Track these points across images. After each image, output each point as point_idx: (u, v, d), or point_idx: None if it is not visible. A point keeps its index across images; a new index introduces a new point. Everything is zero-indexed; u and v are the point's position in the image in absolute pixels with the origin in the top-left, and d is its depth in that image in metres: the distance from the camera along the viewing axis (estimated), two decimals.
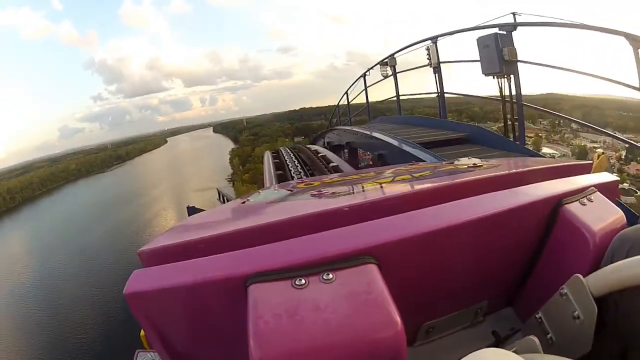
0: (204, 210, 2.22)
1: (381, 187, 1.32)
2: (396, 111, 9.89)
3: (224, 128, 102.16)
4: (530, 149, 6.35)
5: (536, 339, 0.78)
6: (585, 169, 1.38)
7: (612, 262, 0.87)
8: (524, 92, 5.47)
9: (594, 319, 0.81)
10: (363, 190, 1.30)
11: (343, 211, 1.02)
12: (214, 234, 1.00)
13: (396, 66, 9.24)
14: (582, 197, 1.06)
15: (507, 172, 1.35)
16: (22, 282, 42.98)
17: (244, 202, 1.46)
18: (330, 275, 0.72)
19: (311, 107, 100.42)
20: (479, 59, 5.53)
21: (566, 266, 0.97)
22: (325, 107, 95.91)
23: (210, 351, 0.89)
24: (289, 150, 14.27)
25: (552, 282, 0.95)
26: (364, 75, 10.96)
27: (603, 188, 1.14)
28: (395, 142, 6.01)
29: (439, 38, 7.24)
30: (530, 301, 1.10)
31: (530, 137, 59.49)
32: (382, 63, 9.46)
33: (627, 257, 0.85)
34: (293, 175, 9.74)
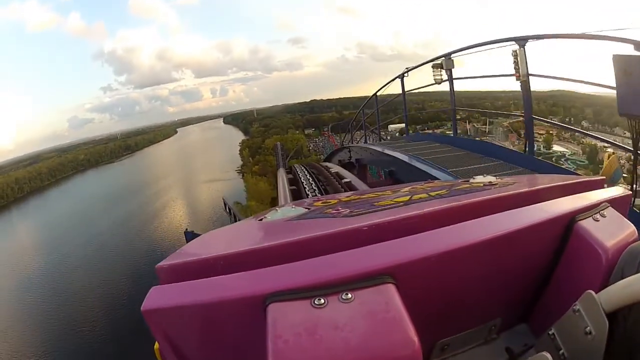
0: (200, 234, 1.66)
1: (399, 206, 1.28)
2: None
3: (234, 119, 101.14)
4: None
5: (549, 355, 0.80)
6: (598, 184, 1.36)
7: (622, 277, 0.90)
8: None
9: (605, 335, 0.83)
10: (381, 209, 1.26)
11: (362, 230, 1.01)
12: (233, 251, 1.00)
13: (453, 70, 7.29)
14: (595, 213, 1.08)
15: (521, 190, 1.33)
16: (29, 274, 42.82)
17: (261, 220, 1.45)
18: (349, 295, 0.73)
19: (322, 99, 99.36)
20: (613, 85, 3.77)
21: (579, 282, 1.01)
22: (337, 99, 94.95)
23: None
24: (306, 173, 13.12)
25: (565, 298, 0.97)
26: (402, 76, 9.14)
27: (615, 202, 1.16)
28: None
29: (529, 40, 5.31)
30: (543, 317, 1.13)
31: (541, 134, 59.05)
32: (435, 65, 7.47)
33: (638, 271, 0.88)
34: (308, 192, 9.47)
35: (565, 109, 70.26)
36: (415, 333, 0.68)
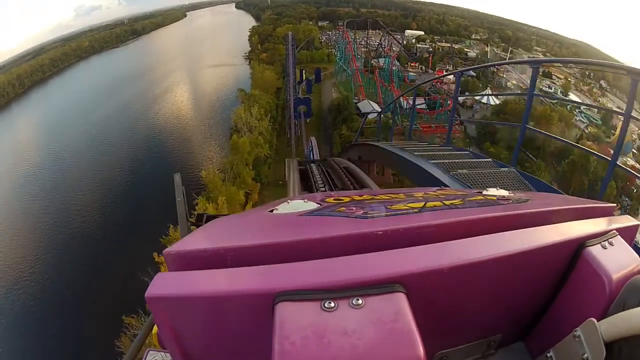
0: None
1: (413, 212, 1.26)
2: None
3: (246, 4, 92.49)
4: None
5: None
6: (608, 211, 1.37)
7: (624, 308, 0.90)
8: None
9: None
10: (395, 214, 1.23)
11: (377, 235, 0.99)
12: (243, 244, 0.99)
13: None
14: (604, 240, 1.09)
15: (535, 210, 1.32)
16: (27, 170, 41.50)
17: (272, 211, 1.40)
18: (360, 301, 0.72)
19: None
20: None
21: (581, 308, 1.02)
22: None
23: None
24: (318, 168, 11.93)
25: (566, 322, 1.00)
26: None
27: (624, 231, 1.17)
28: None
29: None
30: (542, 338, 1.15)
31: (560, 79, 60.64)
32: None
33: None
34: (318, 187, 9.35)
35: (586, 61, 65.06)
36: (422, 347, 0.67)
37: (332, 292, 0.71)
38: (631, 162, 37.45)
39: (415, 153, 6.53)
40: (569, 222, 1.12)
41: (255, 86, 49.16)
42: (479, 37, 75.05)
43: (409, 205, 1.31)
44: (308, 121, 45.83)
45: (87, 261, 30.54)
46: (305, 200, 1.43)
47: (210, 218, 1.97)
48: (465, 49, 70.84)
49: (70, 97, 57.57)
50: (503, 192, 1.57)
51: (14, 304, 28.81)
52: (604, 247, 1.04)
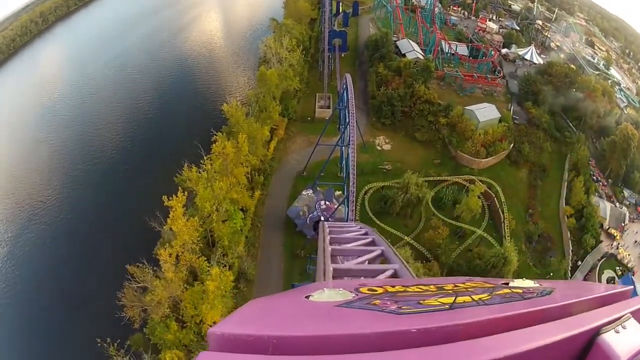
0: None
1: (444, 308, 1.30)
2: None
3: None
4: None
5: None
6: (625, 295, 1.44)
7: None
8: None
9: None
10: (427, 310, 1.27)
11: (411, 333, 1.04)
12: (287, 334, 1.03)
13: None
14: (617, 325, 1.14)
15: (554, 305, 1.35)
16: (47, 106, 40.54)
17: (307, 297, 1.43)
18: None
19: None
20: None
21: None
22: None
23: None
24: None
25: None
26: None
27: (638, 312, 1.23)
28: None
29: None
30: None
31: (602, 50, 61.59)
32: None
33: None
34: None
35: (627, 41, 68.80)
36: None
37: None
38: None
39: None
40: (585, 313, 1.19)
41: (288, 16, 45.10)
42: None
43: (440, 300, 1.33)
44: (343, 55, 41.81)
45: (100, 198, 30.21)
46: (340, 289, 1.43)
47: None
48: (509, 1, 67.84)
49: (93, 31, 55.89)
50: (529, 283, 1.60)
51: (29, 235, 28.99)
52: (617, 332, 1.08)
